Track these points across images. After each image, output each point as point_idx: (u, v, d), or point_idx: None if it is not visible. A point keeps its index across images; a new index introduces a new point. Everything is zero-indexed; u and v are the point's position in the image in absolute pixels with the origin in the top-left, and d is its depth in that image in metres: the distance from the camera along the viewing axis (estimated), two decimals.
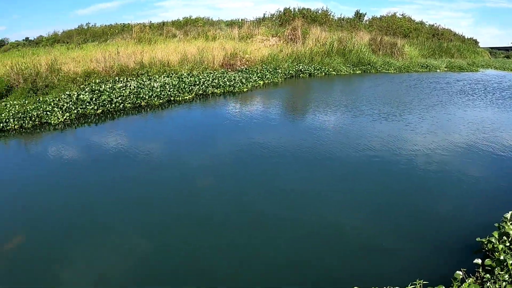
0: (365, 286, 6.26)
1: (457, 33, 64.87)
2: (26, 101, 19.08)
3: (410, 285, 6.09)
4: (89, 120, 17.77)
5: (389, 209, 9.31)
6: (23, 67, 21.83)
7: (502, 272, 6.28)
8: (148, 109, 19.38)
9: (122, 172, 11.81)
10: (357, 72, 34.70)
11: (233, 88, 23.52)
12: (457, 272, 6.18)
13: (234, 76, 25.41)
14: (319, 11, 49.89)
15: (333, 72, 33.24)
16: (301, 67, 31.74)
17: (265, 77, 27.35)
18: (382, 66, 36.85)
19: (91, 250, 8.13)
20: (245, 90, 23.84)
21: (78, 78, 21.98)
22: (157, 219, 9.21)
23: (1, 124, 16.84)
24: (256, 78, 26.62)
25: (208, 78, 23.90)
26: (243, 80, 25.10)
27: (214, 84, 23.38)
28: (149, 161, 12.56)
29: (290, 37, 37.31)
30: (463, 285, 6.03)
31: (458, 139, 14.36)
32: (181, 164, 12.21)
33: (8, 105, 18.74)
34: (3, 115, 17.44)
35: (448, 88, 26.02)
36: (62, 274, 7.36)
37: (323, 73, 32.31)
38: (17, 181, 11.69)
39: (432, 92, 24.17)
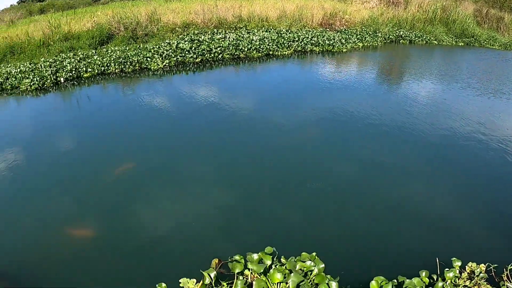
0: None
1: None
2: (127, 48, 19.17)
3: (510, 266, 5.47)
4: (188, 68, 17.45)
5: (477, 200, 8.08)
6: (123, 17, 21.96)
7: None
8: (246, 61, 18.72)
9: (211, 120, 11.46)
10: (460, 44, 31.74)
11: (332, 48, 22.20)
12: None
13: (334, 36, 24.04)
14: None
15: (434, 41, 30.62)
16: (401, 32, 29.57)
17: (365, 39, 25.66)
18: (487, 40, 33.41)
19: (174, 193, 8.04)
20: (344, 50, 22.45)
21: (177, 29, 21.77)
22: (241, 169, 8.87)
23: (103, 68, 17.02)
24: (356, 39, 25.03)
25: (307, 36, 22.77)
26: (342, 41, 23.64)
27: (313, 42, 22.20)
28: (237, 113, 12.00)
29: (392, 0, 35.08)
30: None
31: None
32: (266, 120, 11.51)
33: (109, 51, 18.92)
34: (105, 59, 17.67)
35: None
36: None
37: (424, 41, 29.90)
38: (115, 121, 11.76)
39: None
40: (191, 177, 8.50)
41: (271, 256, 5.04)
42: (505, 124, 11.71)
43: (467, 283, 5.19)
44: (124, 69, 16.97)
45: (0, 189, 8.48)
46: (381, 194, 8.00)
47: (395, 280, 4.99)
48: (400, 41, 29.01)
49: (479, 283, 5.22)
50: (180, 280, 4.82)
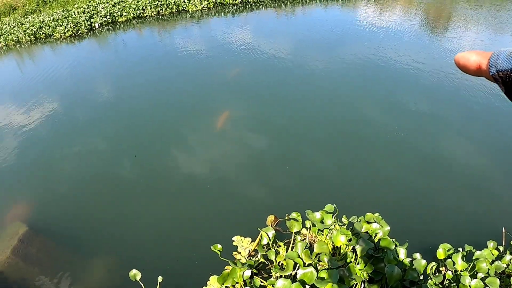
0: None
1: None
2: None
3: None
4: (226, 9, 16.55)
5: None
6: None
7: None
8: (289, 3, 17.62)
9: (250, 67, 10.75)
10: None
11: None
12: None
13: None
14: None
15: None
16: None
17: None
18: None
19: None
20: None
21: None
22: (294, 121, 8.21)
23: (138, 11, 16.30)
24: None
25: None
26: None
27: None
28: (272, 59, 11.13)
29: None
30: None
31: None
32: (302, 67, 10.63)
33: None
34: (140, 2, 16.91)
35: None
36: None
37: None
38: (151, 66, 11.33)
39: None
40: (242, 128, 7.93)
41: (331, 215, 4.46)
42: None
43: None
44: (161, 11, 16.21)
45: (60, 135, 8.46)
46: (445, 156, 7.28)
47: (461, 249, 4.55)
48: None
49: None
50: (233, 238, 4.40)
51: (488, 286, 3.84)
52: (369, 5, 18.61)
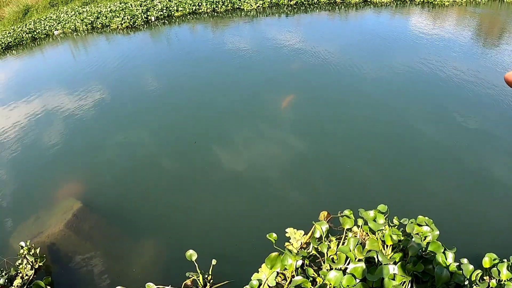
0: None
1: None
2: None
3: None
4: (281, 10, 16.69)
5: None
6: None
7: None
8: (343, 7, 17.61)
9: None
10: None
11: (434, 0, 20.47)
12: None
13: None
14: None
15: None
16: None
17: None
18: None
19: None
20: (446, 3, 20.60)
21: None
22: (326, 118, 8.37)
23: (194, 7, 16.61)
24: None
25: None
26: None
27: None
28: (321, 61, 11.17)
29: None
30: None
31: None
32: (351, 70, 10.60)
33: None
34: None
35: None
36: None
37: None
38: (205, 62, 11.60)
39: None
40: (294, 128, 8.05)
41: (383, 215, 4.58)
42: None
43: None
44: (216, 8, 16.49)
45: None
46: (495, 171, 7.16)
47: (505, 260, 4.44)
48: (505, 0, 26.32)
49: None
50: (286, 230, 4.51)
51: None
52: (422, 12, 18.39)
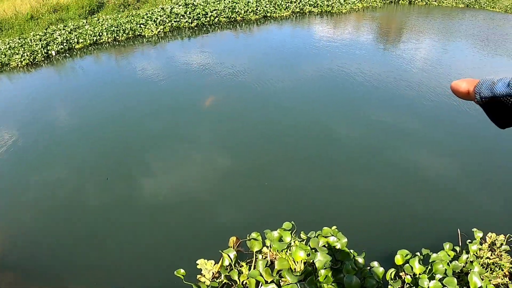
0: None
1: None
2: (119, 16, 18.44)
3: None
4: (183, 33, 16.81)
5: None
6: None
7: None
8: (243, 24, 18.04)
9: (203, 84, 11.12)
10: (460, 5, 30.62)
11: (331, 8, 21.43)
12: None
13: None
14: None
15: (434, 2, 29.59)
16: None
17: None
18: (487, 3, 32.43)
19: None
20: (343, 11, 21.65)
21: None
22: (238, 132, 8.64)
23: (95, 38, 16.38)
24: (355, 0, 24.17)
25: None
26: (341, 1, 22.76)
27: (311, 2, 21.43)
28: (235, 78, 11.51)
29: None
30: None
31: None
32: (264, 84, 11.02)
33: (101, 20, 18.19)
34: (96, 29, 16.98)
35: None
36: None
37: (424, 2, 28.92)
38: (110, 92, 11.44)
39: None
40: (196, 148, 8.17)
41: (290, 232, 4.69)
42: None
43: (488, 254, 5.03)
44: (117, 37, 16.30)
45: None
46: (398, 162, 7.63)
47: (418, 253, 4.73)
48: (400, 2, 28.00)
49: (500, 255, 5.05)
50: (197, 262, 4.50)
51: (446, 286, 4.05)
52: (323, 22, 19.17)
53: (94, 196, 6.97)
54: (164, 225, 6.12)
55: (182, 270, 4.04)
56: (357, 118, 9.18)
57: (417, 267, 4.41)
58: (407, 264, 4.48)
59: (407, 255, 4.61)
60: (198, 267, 4.46)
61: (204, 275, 4.43)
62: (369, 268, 4.41)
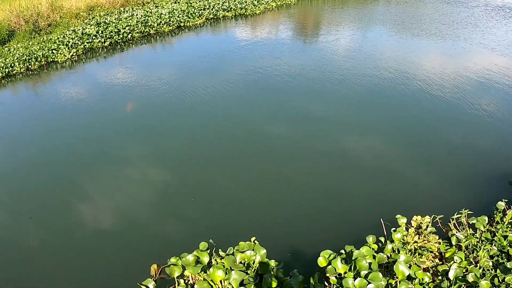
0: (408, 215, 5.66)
1: None
2: (30, 43, 18.11)
3: (456, 214, 5.68)
4: (97, 53, 16.80)
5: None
6: (22, 9, 20.66)
7: None
8: (158, 37, 18.25)
9: (132, 103, 11.23)
10: None
11: (245, 11, 21.89)
12: (499, 202, 5.78)
13: None
14: None
15: None
16: None
17: None
18: None
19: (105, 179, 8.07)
20: (257, 12, 22.18)
21: (81, 13, 20.79)
22: (169, 146, 8.94)
23: (7, 70, 15.99)
24: None
25: (218, 1, 22.39)
26: (255, 2, 23.27)
27: (224, 7, 21.83)
28: (156, 92, 11.82)
29: None
30: (506, 215, 5.57)
31: None
32: (188, 92, 11.41)
33: (12, 49, 17.79)
34: (7, 60, 16.55)
35: None
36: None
37: None
38: (28, 123, 11.24)
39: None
40: (111, 172, 8.32)
41: (208, 252, 4.83)
42: (426, 63, 12.18)
43: (416, 238, 5.21)
44: (30, 66, 15.97)
45: None
46: (310, 158, 7.97)
47: (343, 251, 4.89)
48: None
49: (427, 237, 5.28)
50: None
51: (371, 282, 4.15)
52: (238, 25, 19.62)
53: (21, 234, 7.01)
54: (85, 258, 6.21)
55: None
56: (283, 114, 9.61)
57: (340, 267, 4.47)
58: (330, 266, 4.52)
59: (330, 255, 4.67)
60: None
61: None
62: (289, 277, 4.53)
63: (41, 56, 16.36)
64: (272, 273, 4.49)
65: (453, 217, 5.65)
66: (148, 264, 5.28)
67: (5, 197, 8.11)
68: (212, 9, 21.25)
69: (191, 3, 21.80)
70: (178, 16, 19.82)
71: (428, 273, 4.64)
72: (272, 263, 4.65)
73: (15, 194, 8.14)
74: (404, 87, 10.47)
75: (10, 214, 7.59)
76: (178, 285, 4.64)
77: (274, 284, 4.34)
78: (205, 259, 4.74)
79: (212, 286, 4.45)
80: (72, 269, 6.04)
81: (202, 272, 4.60)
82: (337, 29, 17.31)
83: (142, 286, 4.53)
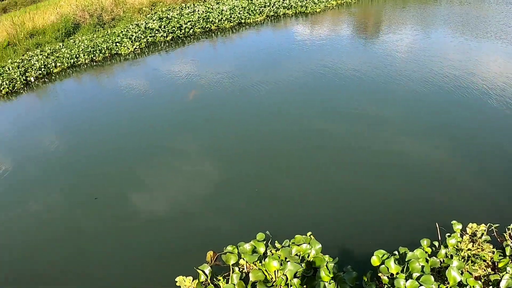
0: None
1: None
2: (95, 36, 18.56)
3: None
4: (159, 47, 16.95)
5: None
6: (87, 4, 21.25)
7: None
8: (219, 33, 18.20)
9: (195, 91, 11.23)
10: None
11: (305, 9, 21.51)
12: None
13: None
14: None
15: None
16: None
17: None
18: None
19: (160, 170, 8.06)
20: (318, 10, 21.75)
21: (144, 8, 21.13)
22: (226, 137, 8.85)
23: (72, 60, 16.47)
24: None
25: None
26: (315, 0, 22.89)
27: (285, 4, 21.56)
28: (217, 86, 11.66)
29: None
30: None
31: None
32: (248, 87, 11.22)
33: (77, 41, 18.31)
34: (73, 51, 17.08)
35: None
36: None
37: None
38: (92, 113, 11.48)
39: None
40: (171, 163, 8.27)
41: (264, 243, 4.78)
42: (491, 68, 11.48)
43: (470, 246, 4.98)
44: (94, 58, 16.42)
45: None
46: (370, 158, 7.70)
47: (396, 252, 4.75)
48: None
49: (482, 245, 5.02)
50: (176, 279, 4.59)
51: (422, 285, 4.03)
52: (299, 23, 19.34)
53: (82, 217, 7.15)
54: (144, 243, 6.24)
55: None
56: (340, 113, 9.32)
57: (393, 267, 4.41)
58: (383, 265, 4.45)
59: (383, 255, 4.58)
60: (177, 284, 4.54)
61: None
62: (343, 273, 4.43)
63: (105, 48, 16.72)
64: (326, 267, 4.40)
65: (509, 227, 5.27)
66: (202, 251, 5.26)
67: (71, 180, 8.31)
68: (272, 7, 21.04)
69: (251, 0, 21.64)
70: (239, 13, 19.74)
71: (479, 282, 4.41)
72: (327, 258, 4.55)
73: (77, 179, 8.33)
74: (466, 92, 9.86)
75: (74, 196, 7.81)
76: (233, 272, 4.59)
77: (327, 278, 4.27)
78: (261, 249, 4.72)
79: (265, 276, 4.44)
80: (132, 251, 6.14)
81: (258, 262, 4.58)
82: (398, 29, 16.69)
83: (199, 270, 4.52)
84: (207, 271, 4.53)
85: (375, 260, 4.56)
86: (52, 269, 6.12)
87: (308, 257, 4.63)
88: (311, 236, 4.89)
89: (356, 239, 5.82)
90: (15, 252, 6.65)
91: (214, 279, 4.57)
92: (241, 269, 4.69)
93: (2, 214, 7.83)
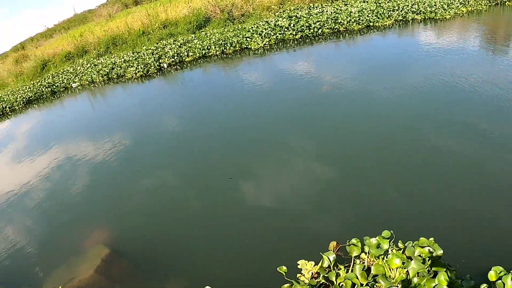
0: None
1: None
2: (225, 30, 19.26)
3: None
4: (288, 45, 17.19)
5: None
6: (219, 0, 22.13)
7: None
8: (347, 34, 18.04)
9: (315, 95, 11.13)
10: None
11: (435, 15, 20.63)
12: None
13: (435, 2, 22.43)
14: None
15: None
16: None
17: (468, 3, 23.63)
18: None
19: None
20: (447, 17, 20.77)
21: (272, 6, 21.55)
22: (352, 148, 8.45)
23: (204, 51, 17.22)
24: (458, 4, 23.11)
25: (407, 3, 21.44)
26: (445, 6, 21.91)
27: (414, 9, 20.86)
28: (345, 87, 11.49)
29: None
30: None
31: None
32: (364, 97, 10.80)
33: (208, 34, 19.11)
34: (204, 42, 17.91)
35: None
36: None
37: None
38: (222, 101, 11.99)
39: None
40: (301, 156, 8.34)
41: (388, 240, 4.80)
42: None
43: None
44: (225, 50, 17.11)
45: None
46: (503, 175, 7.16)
47: None
48: (506, 3, 26.39)
49: None
50: (298, 262, 4.78)
51: None
52: (427, 29, 18.63)
53: (195, 198, 7.51)
54: (267, 227, 6.42)
55: (284, 267, 4.36)
56: (470, 133, 8.73)
57: (510, 284, 4.23)
58: (499, 281, 4.30)
59: (501, 272, 4.41)
60: (299, 267, 4.74)
61: (303, 275, 4.71)
62: (460, 280, 4.42)
63: (235, 42, 17.31)
64: (446, 272, 4.29)
65: None
66: (324, 243, 5.40)
67: (185, 160, 8.83)
68: (401, 11, 20.48)
69: (379, 3, 21.23)
70: (367, 16, 19.45)
71: None
72: (447, 264, 4.53)
73: (192, 159, 8.86)
74: None
75: (185, 177, 8.29)
76: (354, 264, 4.70)
77: (445, 283, 4.16)
78: (385, 246, 4.77)
79: (385, 272, 4.47)
80: (252, 236, 6.28)
81: (380, 258, 4.64)
82: None
83: (324, 255, 4.66)
84: (331, 258, 4.68)
85: (492, 275, 4.42)
86: (184, 242, 6.53)
87: (428, 260, 4.63)
88: (434, 241, 4.83)
89: (475, 251, 5.57)
90: (132, 223, 7.22)
91: (335, 267, 4.66)
92: (361, 262, 4.78)
93: (119, 186, 8.56)
